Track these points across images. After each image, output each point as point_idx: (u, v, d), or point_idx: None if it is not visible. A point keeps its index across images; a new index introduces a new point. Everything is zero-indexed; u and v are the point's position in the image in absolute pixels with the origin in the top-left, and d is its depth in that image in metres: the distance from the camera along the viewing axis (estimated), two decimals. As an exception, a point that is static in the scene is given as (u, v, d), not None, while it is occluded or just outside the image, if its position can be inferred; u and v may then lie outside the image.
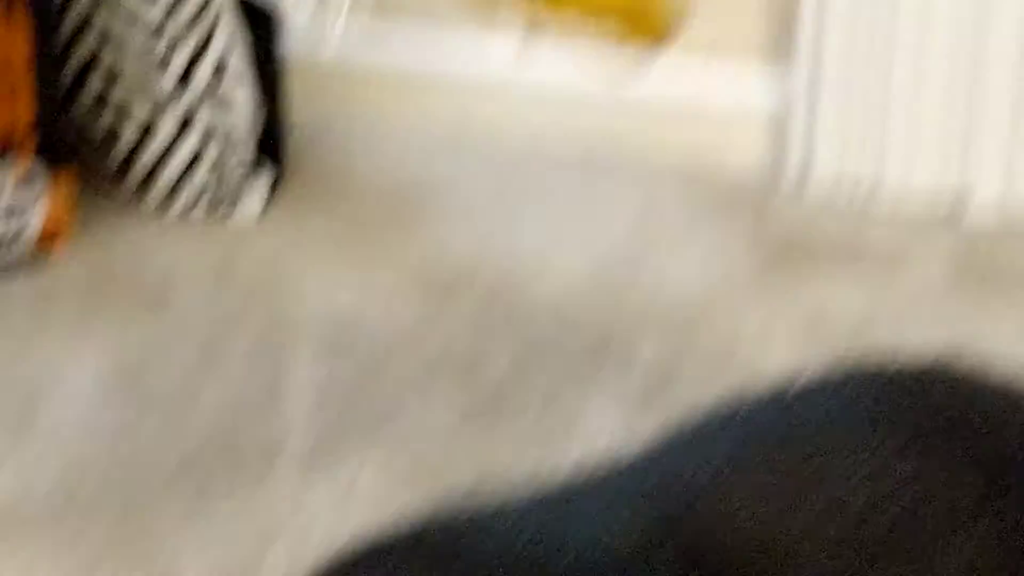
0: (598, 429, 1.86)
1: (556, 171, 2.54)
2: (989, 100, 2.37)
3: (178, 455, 1.79)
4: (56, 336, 2.03)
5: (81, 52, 2.28)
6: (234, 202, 2.33)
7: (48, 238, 2.16)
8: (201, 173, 2.32)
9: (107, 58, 2.28)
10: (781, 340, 2.03)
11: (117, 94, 2.30)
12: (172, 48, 2.27)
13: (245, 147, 2.33)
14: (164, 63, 2.27)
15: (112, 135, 2.31)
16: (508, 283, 2.19)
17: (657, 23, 1.22)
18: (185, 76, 2.28)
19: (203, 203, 2.33)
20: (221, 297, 2.13)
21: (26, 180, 2.13)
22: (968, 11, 2.35)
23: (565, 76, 2.59)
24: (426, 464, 1.79)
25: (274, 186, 2.38)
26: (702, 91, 2.55)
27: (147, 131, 2.30)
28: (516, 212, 2.41)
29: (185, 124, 2.29)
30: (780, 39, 2.46)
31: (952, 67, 2.38)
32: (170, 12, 2.25)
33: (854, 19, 2.37)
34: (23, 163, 2.13)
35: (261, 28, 2.36)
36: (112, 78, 2.29)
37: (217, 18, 2.29)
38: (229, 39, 2.30)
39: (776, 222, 2.39)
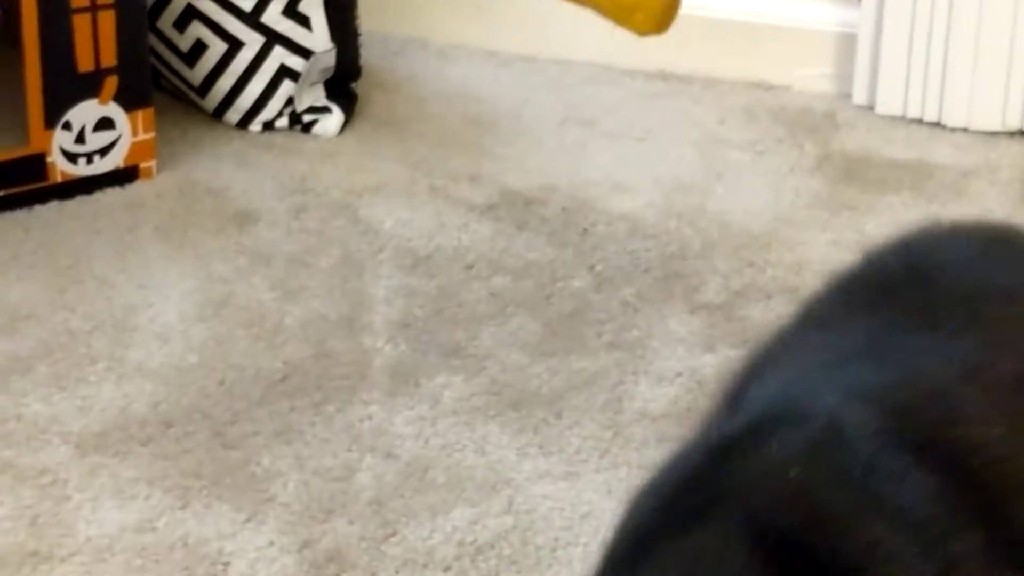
0: (675, 345, 1.87)
1: (626, 92, 2.56)
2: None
3: (269, 374, 1.80)
4: (148, 253, 2.04)
5: None
6: (313, 121, 2.36)
7: (136, 159, 2.18)
8: (284, 91, 2.34)
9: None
10: (849, 261, 2.04)
11: (203, 12, 2.31)
12: None
13: (324, 67, 2.35)
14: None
15: (198, 53, 2.34)
16: (580, 203, 2.19)
17: (650, 16, 1.18)
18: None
19: (284, 120, 2.36)
20: (304, 214, 2.14)
21: (115, 97, 2.15)
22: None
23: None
24: (508, 381, 1.79)
25: (350, 106, 2.39)
26: (771, 12, 2.56)
27: (232, 49, 2.32)
28: (584, 135, 2.41)
29: (268, 42, 2.31)
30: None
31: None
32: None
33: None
34: (109, 87, 2.14)
35: None
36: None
37: None
38: None
39: (842, 144, 2.39)
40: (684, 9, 2.53)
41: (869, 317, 1.13)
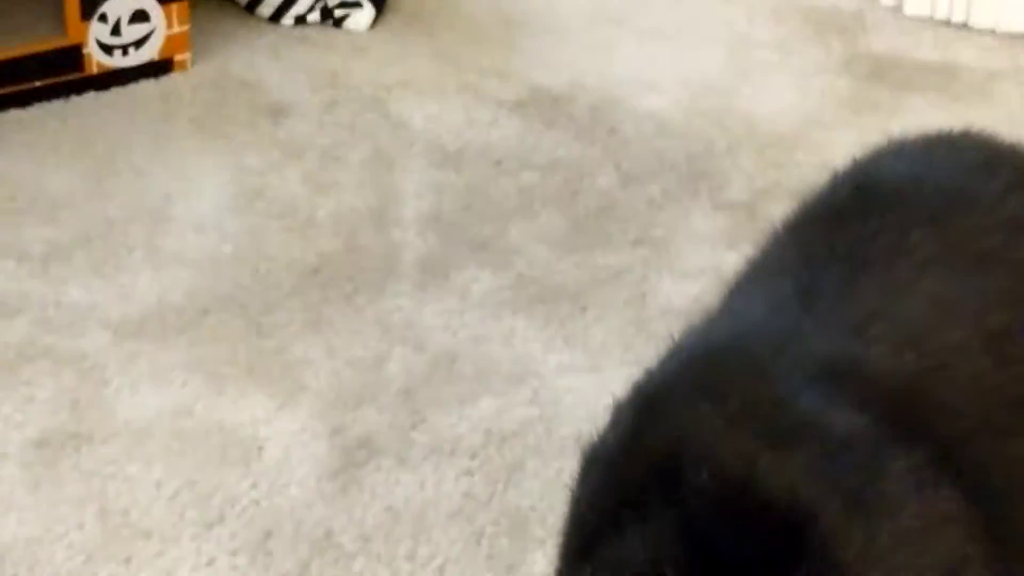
0: (699, 243, 1.89)
1: None
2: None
3: (302, 265, 1.82)
4: (183, 144, 2.06)
5: None
6: (345, 15, 2.36)
7: (171, 52, 2.19)
8: None
9: None
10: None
11: None
12: None
13: None
14: None
15: None
16: (608, 102, 2.19)
17: None
18: None
19: (315, 15, 2.36)
20: (335, 108, 2.15)
21: None
22: None
23: None
24: (534, 276, 1.81)
25: (381, 1, 2.38)
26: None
27: None
28: (613, 34, 2.41)
29: None
30: None
31: None
32: None
33: None
34: None
35: None
36: None
37: None
38: None
39: (870, 45, 2.39)
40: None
41: (809, 257, 1.18)
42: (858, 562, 0.99)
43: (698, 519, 0.97)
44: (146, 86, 2.18)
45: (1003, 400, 1.12)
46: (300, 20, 2.35)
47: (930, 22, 2.39)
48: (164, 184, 1.97)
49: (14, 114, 2.10)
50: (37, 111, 2.11)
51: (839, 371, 1.07)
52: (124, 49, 2.16)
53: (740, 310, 1.19)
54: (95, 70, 2.15)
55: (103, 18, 2.13)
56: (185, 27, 2.19)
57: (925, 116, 2.10)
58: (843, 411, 1.04)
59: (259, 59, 2.26)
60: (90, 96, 2.14)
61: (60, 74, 2.13)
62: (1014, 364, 1.14)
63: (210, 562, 1.41)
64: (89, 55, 2.14)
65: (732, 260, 1.81)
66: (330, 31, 2.35)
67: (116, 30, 2.14)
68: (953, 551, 1.04)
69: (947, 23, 2.38)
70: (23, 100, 2.11)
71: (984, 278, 1.15)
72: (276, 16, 2.35)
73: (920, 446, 1.04)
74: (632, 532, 1.01)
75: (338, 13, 2.35)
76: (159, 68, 2.19)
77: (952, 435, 1.07)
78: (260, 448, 1.55)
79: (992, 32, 2.37)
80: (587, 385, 1.62)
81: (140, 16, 2.15)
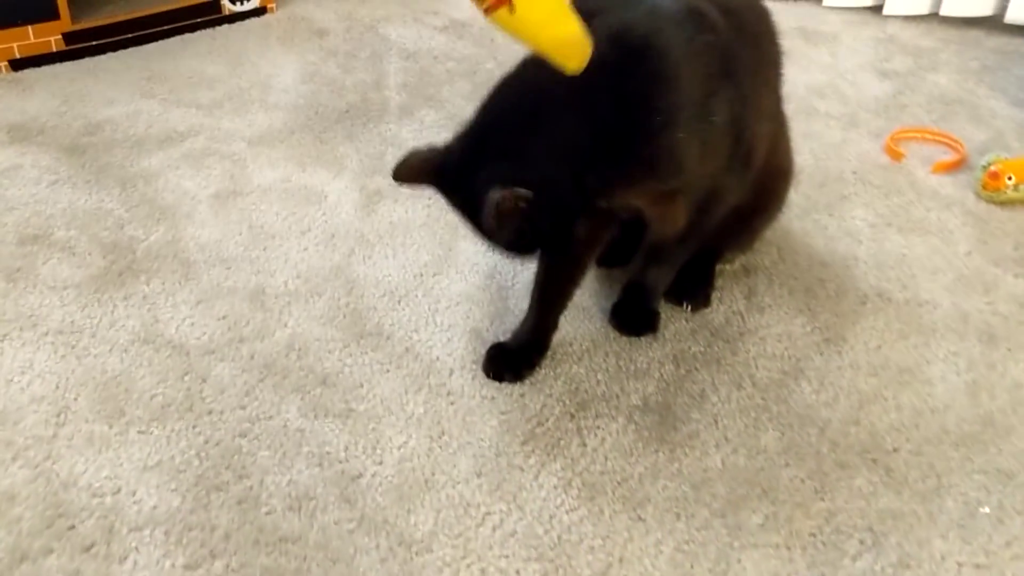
0: None
1: None
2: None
3: (339, 109, 1.80)
4: (274, 52, 2.01)
5: None
6: None
7: (265, 2, 2.12)
8: None
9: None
10: None
11: None
12: None
13: None
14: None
15: None
16: (490, 27, 2.16)
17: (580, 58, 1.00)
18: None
19: None
20: (351, 31, 2.10)
21: None
22: None
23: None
24: (457, 114, 1.76)
25: None
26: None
27: None
28: None
29: None
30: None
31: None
32: None
33: None
34: None
35: None
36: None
37: None
38: None
39: None
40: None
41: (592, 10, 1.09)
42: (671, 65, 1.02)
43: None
44: (254, 21, 2.11)
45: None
46: (330, -13, 2.30)
47: None
48: (266, 69, 1.93)
49: (187, 36, 2.04)
50: (198, 35, 2.05)
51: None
52: (241, 1, 2.09)
53: None
54: (227, 12, 2.09)
55: (229, -16, 2.08)
56: None
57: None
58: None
59: (311, 7, 2.19)
60: (224, 27, 2.09)
61: (208, 15, 2.07)
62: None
63: (305, 248, 1.43)
64: (224, 5, 2.08)
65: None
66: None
67: (236, -9, 2.10)
68: (712, 74, 1.06)
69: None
70: (191, 29, 2.05)
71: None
72: (318, -15, 2.30)
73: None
74: None
75: (350, -17, 2.30)
76: (260, 11, 2.13)
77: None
78: (325, 196, 1.55)
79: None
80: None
81: (248, -17, 2.10)
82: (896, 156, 1.68)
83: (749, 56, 1.14)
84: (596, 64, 0.98)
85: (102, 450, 1.09)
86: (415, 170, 1.09)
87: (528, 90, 1.03)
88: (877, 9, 2.23)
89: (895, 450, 1.13)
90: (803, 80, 1.92)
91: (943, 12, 2.17)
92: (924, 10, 2.19)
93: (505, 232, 1.01)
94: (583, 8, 1.09)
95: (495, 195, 0.97)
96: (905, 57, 2.04)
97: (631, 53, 1.00)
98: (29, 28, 1.86)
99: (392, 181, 1.13)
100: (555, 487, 1.06)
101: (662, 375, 1.21)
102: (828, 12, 2.24)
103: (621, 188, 1.05)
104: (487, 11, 0.95)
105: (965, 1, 2.15)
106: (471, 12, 2.22)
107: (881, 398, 1.19)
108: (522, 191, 0.97)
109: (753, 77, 1.15)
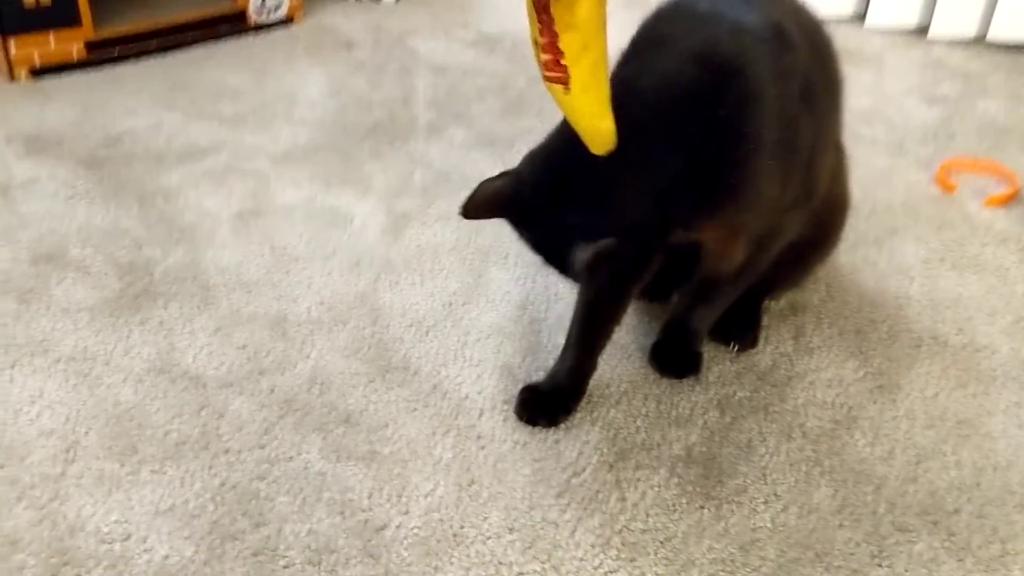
0: None
1: None
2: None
3: (366, 126, 1.75)
4: (300, 64, 1.96)
5: None
6: None
7: (291, 13, 2.09)
8: None
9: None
10: None
11: None
12: None
13: None
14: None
15: None
16: (521, 40, 2.08)
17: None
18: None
19: None
20: (379, 43, 2.05)
21: None
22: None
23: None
24: (486, 133, 1.74)
25: None
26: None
27: None
28: (523, 3, 2.32)
29: None
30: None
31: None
32: None
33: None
34: None
35: None
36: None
37: None
38: None
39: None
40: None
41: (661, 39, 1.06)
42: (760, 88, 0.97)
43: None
44: (280, 32, 2.07)
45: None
46: (358, -3, 2.26)
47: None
48: (291, 82, 1.89)
49: (212, 46, 2.00)
50: (223, 45, 2.01)
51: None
52: (268, 12, 2.05)
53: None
54: (252, 23, 2.05)
55: (256, -6, 2.03)
56: (299, 0, 2.09)
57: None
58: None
59: (338, 18, 2.15)
60: (250, 37, 2.05)
61: (234, 24, 2.03)
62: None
63: (329, 273, 1.37)
64: (249, 15, 2.04)
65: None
66: (374, 3, 2.25)
67: (263, 2, 2.04)
68: (794, 97, 1.01)
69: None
70: (216, 38, 2.01)
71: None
72: (346, -5, 2.26)
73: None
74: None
75: (379, -7, 2.26)
76: (287, 22, 2.09)
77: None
78: (351, 217, 1.50)
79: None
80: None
81: (275, -7, 2.05)
82: (947, 187, 1.60)
83: (823, 79, 1.08)
84: (683, 88, 0.94)
85: (112, 491, 1.03)
86: (486, 204, 1.03)
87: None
88: (922, 31, 2.15)
89: (956, 511, 1.05)
90: (848, 104, 1.85)
91: (991, 36, 2.09)
92: (971, 33, 2.12)
93: (595, 282, 0.99)
94: (653, 35, 1.04)
95: (584, 254, 0.93)
96: (953, 82, 1.96)
97: (719, 75, 0.95)
98: (51, 35, 1.81)
99: (461, 216, 1.05)
100: (592, 545, 0.98)
101: (706, 423, 1.14)
102: (871, 34, 2.17)
103: (702, 220, 0.99)
104: (545, 78, 0.95)
105: (1015, 25, 2.07)
106: (501, 26, 2.23)
107: (940, 453, 1.11)
108: (608, 243, 0.93)
109: (825, 103, 1.09)
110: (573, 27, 0.90)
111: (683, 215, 0.97)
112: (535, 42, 0.94)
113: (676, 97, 0.95)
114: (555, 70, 0.92)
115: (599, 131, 0.96)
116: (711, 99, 0.94)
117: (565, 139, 0.98)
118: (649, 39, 1.03)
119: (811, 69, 1.03)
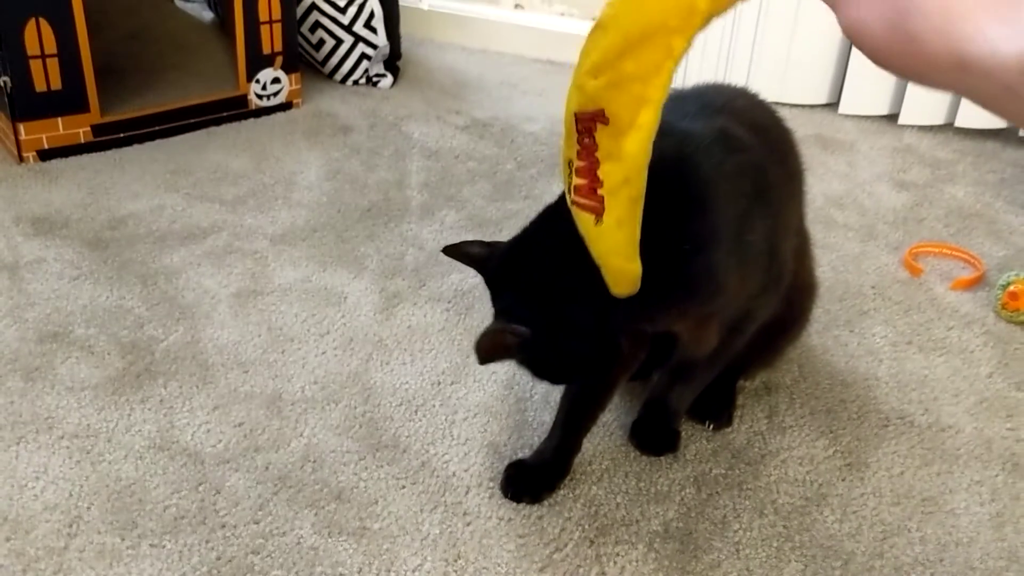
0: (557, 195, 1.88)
1: (532, 70, 2.53)
2: None
3: (361, 207, 1.81)
4: (299, 147, 2.03)
5: (305, 3, 2.26)
6: (378, 81, 2.35)
7: (291, 98, 2.17)
8: (363, 65, 2.32)
9: (317, 6, 2.27)
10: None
11: (323, 23, 2.29)
12: (349, 2, 2.26)
13: (383, 52, 2.34)
14: (344, 9, 2.28)
15: (320, 44, 2.31)
16: (510, 126, 2.18)
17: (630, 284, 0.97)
18: (355, 16, 2.28)
19: (363, 80, 2.34)
20: (375, 128, 2.13)
21: (281, 69, 2.13)
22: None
23: (544, 21, 2.60)
24: (477, 215, 1.80)
25: (396, 73, 2.38)
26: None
27: (337, 43, 2.30)
28: (513, 92, 2.39)
29: (355, 40, 2.30)
30: None
31: None
32: (348, -15, 2.26)
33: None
34: (278, 61, 2.12)
35: None
36: (321, 15, 2.28)
37: None
38: None
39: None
40: (565, 28, 2.55)
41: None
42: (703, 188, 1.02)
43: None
44: (279, 116, 2.15)
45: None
46: (355, 82, 2.34)
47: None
48: (290, 166, 1.95)
49: (212, 129, 2.07)
50: (224, 128, 2.09)
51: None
52: (268, 96, 2.13)
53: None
54: (253, 107, 2.13)
55: (257, 80, 2.11)
56: (299, 85, 2.16)
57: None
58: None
59: (336, 103, 2.24)
60: (251, 121, 2.12)
61: (235, 108, 2.11)
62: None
63: (323, 352, 1.42)
64: (250, 99, 2.12)
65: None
66: (371, 89, 2.33)
67: (264, 87, 2.12)
68: (746, 193, 1.06)
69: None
70: (217, 122, 2.09)
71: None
72: (343, 80, 2.34)
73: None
74: None
75: (375, 79, 2.34)
76: (286, 107, 2.17)
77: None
78: (344, 297, 1.55)
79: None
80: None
81: (276, 80, 2.13)
82: (915, 271, 1.68)
83: (777, 173, 1.15)
84: None
85: (113, 564, 1.07)
86: (463, 252, 1.11)
87: (564, 218, 1.03)
88: (893, 118, 2.26)
89: (921, 587, 1.10)
90: (820, 189, 1.94)
91: (959, 123, 2.20)
92: (940, 120, 2.22)
93: (492, 361, 1.05)
94: None
95: (486, 329, 1.01)
96: (922, 168, 2.06)
97: (664, 182, 1.01)
98: (59, 120, 1.90)
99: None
100: (573, 619, 1.03)
101: (683, 499, 1.19)
102: (844, 120, 2.27)
103: (661, 314, 1.05)
104: (575, 203, 0.90)
105: (981, 112, 2.17)
106: (493, 112, 2.32)
107: (905, 529, 1.17)
108: (517, 328, 1.00)
109: (782, 194, 1.16)
110: (617, 158, 0.84)
111: (635, 311, 1.01)
112: (568, 162, 0.88)
113: None
114: (589, 198, 0.87)
115: (625, 273, 0.93)
116: (657, 204, 0.99)
117: (533, 224, 1.06)
118: None
119: (764, 165, 1.10)
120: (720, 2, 0.72)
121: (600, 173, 0.85)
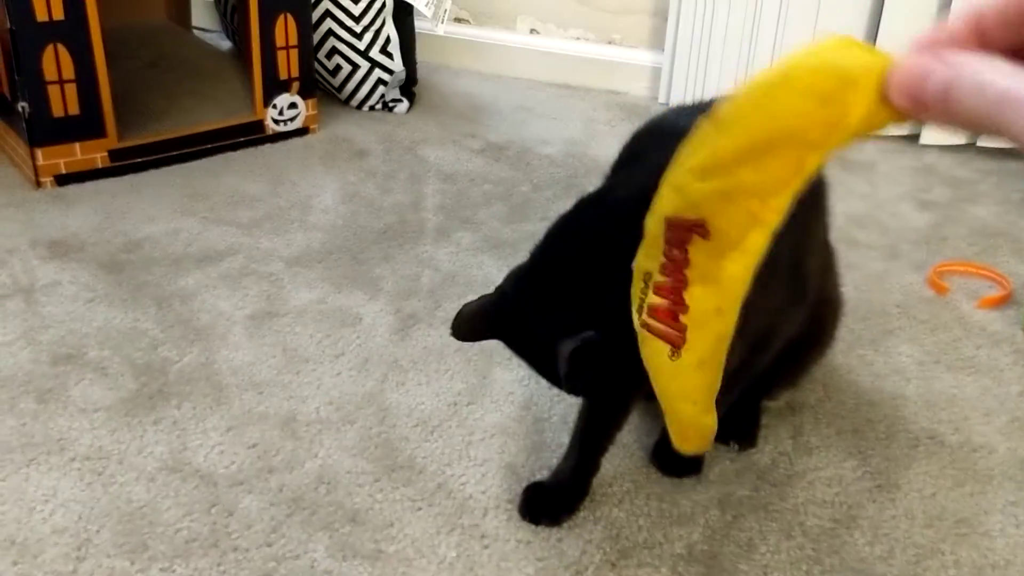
0: None
1: (547, 94, 2.53)
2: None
3: (376, 230, 1.80)
4: (315, 172, 2.03)
5: (322, 30, 2.28)
6: (394, 106, 2.35)
7: (308, 123, 2.17)
8: (379, 90, 2.32)
9: (334, 32, 2.29)
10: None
11: (340, 49, 2.30)
12: (365, 28, 2.28)
13: (399, 77, 2.34)
14: (361, 35, 2.29)
15: (337, 70, 2.32)
16: (526, 149, 2.17)
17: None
18: (372, 42, 2.29)
19: (380, 105, 2.34)
20: (391, 152, 2.12)
21: (298, 94, 2.13)
22: None
23: (560, 45, 2.60)
24: (492, 237, 1.79)
25: (412, 99, 2.38)
26: (620, 55, 2.58)
27: (353, 68, 2.31)
28: (528, 115, 2.38)
29: (371, 66, 2.30)
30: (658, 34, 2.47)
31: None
32: (364, 11, 2.27)
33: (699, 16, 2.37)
34: (295, 86, 2.12)
35: (407, 16, 2.35)
36: (337, 41, 2.30)
37: (385, 10, 2.29)
38: (391, 22, 2.31)
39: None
40: (580, 53, 2.55)
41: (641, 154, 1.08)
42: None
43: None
44: (296, 141, 2.15)
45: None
46: (372, 107, 2.34)
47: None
48: (306, 189, 1.95)
49: (229, 155, 2.07)
50: (240, 153, 2.08)
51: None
52: (285, 122, 2.13)
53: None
54: (270, 132, 2.13)
55: (274, 106, 2.10)
56: (315, 111, 2.16)
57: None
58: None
59: (352, 128, 2.23)
60: (267, 146, 2.12)
61: (251, 134, 2.11)
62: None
63: (338, 373, 1.40)
64: (267, 124, 2.11)
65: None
66: (387, 114, 2.32)
67: (280, 112, 2.12)
68: None
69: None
70: (233, 147, 2.09)
71: None
72: (359, 105, 2.34)
73: None
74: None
75: (391, 104, 2.34)
76: (302, 132, 2.16)
77: None
78: (360, 318, 1.53)
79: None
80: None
81: (293, 105, 2.12)
82: (940, 290, 1.65)
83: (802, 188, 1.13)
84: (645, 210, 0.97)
85: (122, 588, 1.04)
86: (472, 325, 1.04)
87: (586, 230, 1.01)
88: (914, 138, 2.23)
89: (957, 611, 1.05)
90: (842, 209, 1.91)
91: (980, 142, 2.17)
92: (961, 140, 2.19)
93: (582, 381, 0.96)
94: (631, 152, 1.09)
95: (566, 347, 0.92)
96: (944, 188, 2.03)
97: None
98: (77, 145, 1.90)
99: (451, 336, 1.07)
100: (595, 644, 0.99)
101: (707, 521, 1.15)
102: (864, 141, 2.25)
103: None
104: (646, 325, 0.76)
105: (1002, 133, 2.14)
106: (508, 136, 2.32)
107: (939, 552, 1.13)
108: (591, 335, 0.93)
109: (805, 207, 1.13)
110: (713, 282, 0.70)
111: None
112: (645, 274, 0.74)
113: (640, 210, 0.97)
114: (668, 323, 0.73)
115: (697, 426, 0.81)
116: None
117: (543, 252, 1.01)
118: (628, 156, 1.10)
119: None
120: (874, 122, 0.49)
121: (687, 296, 0.71)
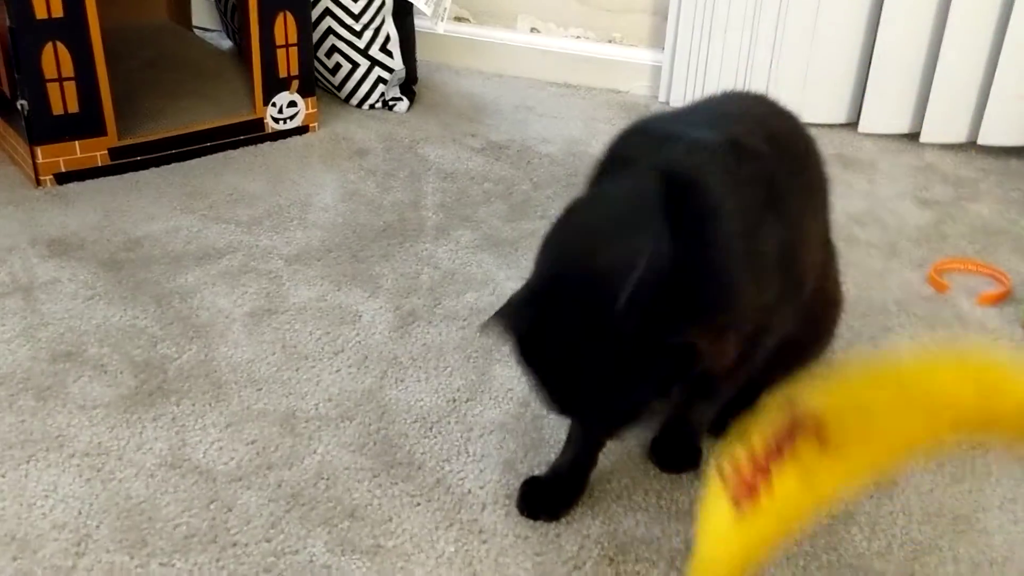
0: None
1: (548, 93, 2.53)
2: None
3: (376, 228, 1.81)
4: (315, 170, 2.03)
5: (321, 28, 2.28)
6: (394, 104, 2.35)
7: (307, 121, 2.17)
8: (379, 89, 2.32)
9: (333, 31, 2.29)
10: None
11: (339, 48, 2.30)
12: (365, 26, 2.28)
13: (399, 76, 2.34)
14: (360, 33, 2.29)
15: (337, 68, 2.32)
16: (526, 148, 2.17)
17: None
18: (371, 40, 2.29)
19: (379, 104, 2.34)
20: (391, 151, 2.12)
21: (297, 92, 2.13)
22: None
23: (560, 44, 2.61)
24: (492, 235, 1.80)
25: (412, 97, 2.38)
26: (621, 53, 2.58)
27: (353, 67, 2.31)
28: (529, 114, 2.38)
29: (371, 64, 2.30)
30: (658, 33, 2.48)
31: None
32: (364, 9, 2.27)
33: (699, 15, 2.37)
34: (295, 85, 2.12)
35: (407, 15, 2.35)
36: (337, 39, 2.30)
37: (385, 8, 2.30)
38: (391, 21, 2.31)
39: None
40: (581, 51, 2.55)
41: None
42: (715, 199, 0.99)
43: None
44: (296, 140, 2.15)
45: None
46: (372, 106, 2.34)
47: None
48: (306, 188, 1.95)
49: (229, 153, 2.07)
50: (240, 152, 2.08)
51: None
52: (284, 120, 2.13)
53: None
54: (270, 131, 2.13)
55: (274, 104, 2.11)
56: (315, 109, 2.16)
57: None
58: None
59: (352, 126, 2.23)
60: (267, 144, 2.12)
61: (251, 132, 2.11)
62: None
63: (338, 370, 1.41)
64: (267, 123, 2.12)
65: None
66: (387, 113, 2.32)
67: (280, 110, 2.12)
68: (758, 203, 1.04)
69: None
70: (233, 146, 2.09)
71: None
72: (360, 104, 2.33)
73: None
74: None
75: (391, 103, 2.33)
76: (302, 130, 2.16)
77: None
78: (359, 315, 1.54)
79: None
80: (519, 286, 1.61)
81: (292, 104, 2.12)
82: (940, 287, 1.65)
83: (795, 183, 1.13)
84: (646, 201, 0.97)
85: (121, 583, 1.05)
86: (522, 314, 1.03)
87: (585, 236, 1.00)
88: (914, 136, 2.23)
89: (955, 607, 1.06)
90: (842, 207, 1.91)
91: (981, 141, 2.17)
92: (962, 138, 2.19)
93: (685, 378, 0.97)
94: (616, 155, 1.10)
95: (703, 343, 0.93)
96: (945, 186, 2.03)
97: (675, 192, 0.98)
98: (76, 143, 1.90)
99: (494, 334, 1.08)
100: (593, 639, 1.00)
101: (705, 517, 1.16)
102: (864, 139, 2.25)
103: (683, 322, 1.01)
104: (719, 470, 0.81)
105: (1004, 130, 2.15)
106: (508, 135, 2.32)
107: (937, 548, 1.13)
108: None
109: (800, 204, 1.13)
110: (806, 474, 0.75)
111: (660, 318, 0.98)
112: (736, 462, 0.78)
113: (639, 208, 0.97)
114: (747, 477, 0.77)
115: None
116: (670, 215, 0.96)
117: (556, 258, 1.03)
118: (613, 159, 1.10)
119: (779, 174, 1.08)
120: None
121: (775, 470, 0.76)
